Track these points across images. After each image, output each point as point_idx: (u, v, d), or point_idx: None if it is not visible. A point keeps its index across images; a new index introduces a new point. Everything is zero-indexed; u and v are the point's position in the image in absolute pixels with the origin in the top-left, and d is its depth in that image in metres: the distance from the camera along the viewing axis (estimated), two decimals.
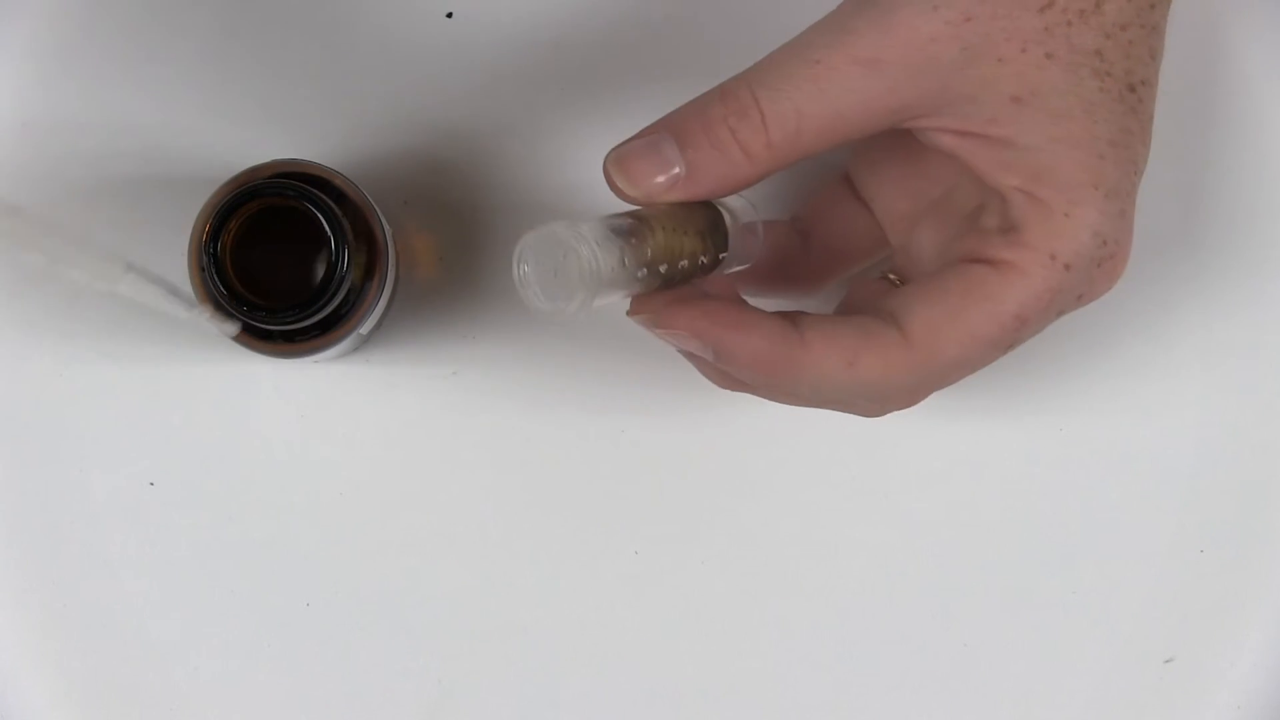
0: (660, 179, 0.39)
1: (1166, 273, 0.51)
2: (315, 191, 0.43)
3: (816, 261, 0.47)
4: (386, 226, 0.47)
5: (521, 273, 0.38)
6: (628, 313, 0.41)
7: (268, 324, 0.43)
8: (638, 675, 0.51)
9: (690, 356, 0.42)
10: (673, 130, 0.39)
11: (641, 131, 0.40)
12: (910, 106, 0.39)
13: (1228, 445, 0.51)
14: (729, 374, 0.42)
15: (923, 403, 0.51)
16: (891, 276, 0.44)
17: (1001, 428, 0.51)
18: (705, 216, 0.41)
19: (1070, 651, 0.51)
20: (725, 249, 0.42)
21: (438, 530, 0.50)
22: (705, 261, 0.41)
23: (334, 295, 0.43)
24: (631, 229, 0.39)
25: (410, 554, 0.50)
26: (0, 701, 0.50)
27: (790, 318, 0.40)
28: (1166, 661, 0.51)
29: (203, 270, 0.43)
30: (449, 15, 0.50)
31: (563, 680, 0.50)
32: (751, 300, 0.43)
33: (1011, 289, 0.39)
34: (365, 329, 0.46)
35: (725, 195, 0.40)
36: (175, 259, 0.46)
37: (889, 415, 0.51)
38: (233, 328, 0.42)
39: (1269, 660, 0.51)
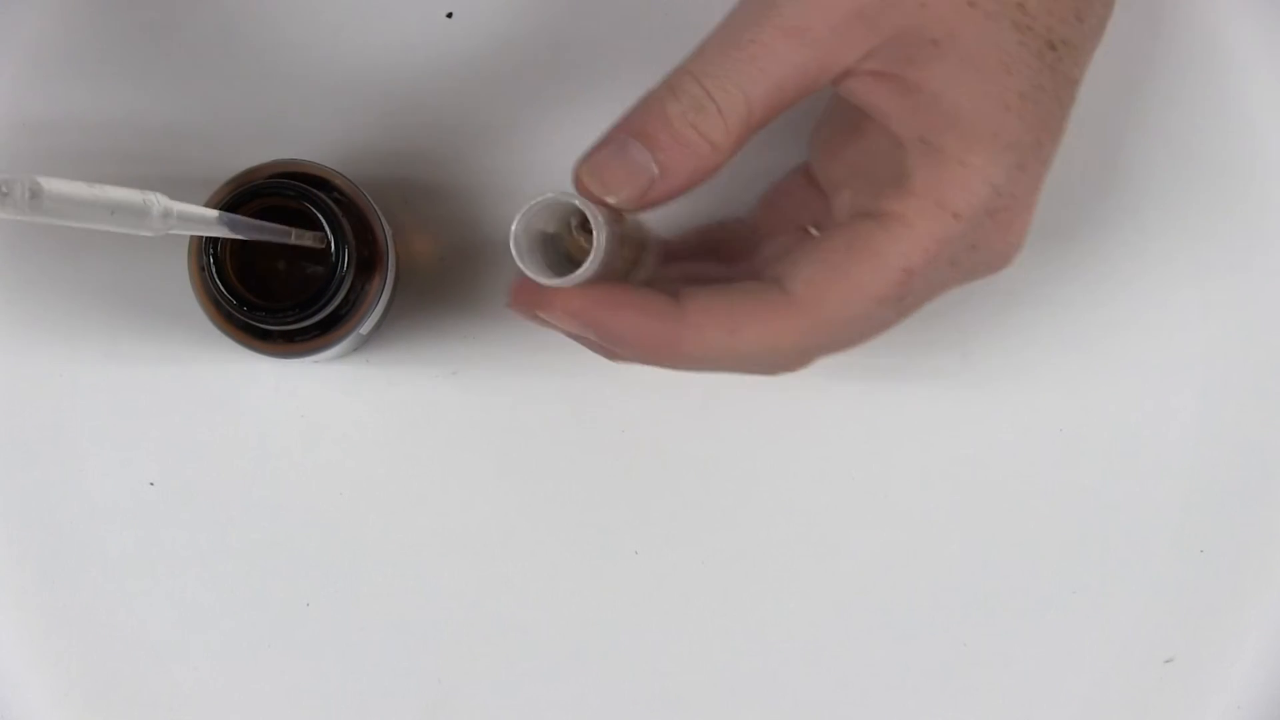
0: (637, 184, 0.40)
1: (1166, 272, 0.51)
2: (315, 191, 0.43)
3: (760, 244, 0.46)
4: (386, 226, 0.47)
5: (520, 242, 0.39)
6: (508, 304, 0.41)
7: (267, 324, 0.43)
8: (638, 675, 0.51)
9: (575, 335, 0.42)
10: (635, 133, 0.40)
11: (606, 138, 0.40)
12: (842, 60, 0.39)
13: (1228, 445, 0.51)
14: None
15: (922, 402, 0.51)
16: (812, 230, 0.44)
17: (1002, 428, 0.51)
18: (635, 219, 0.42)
19: (1070, 651, 0.51)
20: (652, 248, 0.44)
21: (437, 530, 0.50)
22: (646, 259, 0.43)
23: (334, 295, 0.44)
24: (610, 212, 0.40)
25: (410, 554, 0.50)
26: (0, 701, 0.50)
27: (676, 293, 0.40)
28: (1166, 661, 0.51)
29: (202, 270, 0.43)
30: (449, 15, 0.50)
31: (563, 680, 0.50)
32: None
33: (895, 242, 0.39)
34: (365, 329, 0.46)
35: (696, 186, 0.40)
36: (175, 259, 0.46)
37: (889, 416, 0.52)
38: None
39: (1269, 660, 0.51)
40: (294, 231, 0.42)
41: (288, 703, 0.50)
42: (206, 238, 0.43)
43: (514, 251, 0.39)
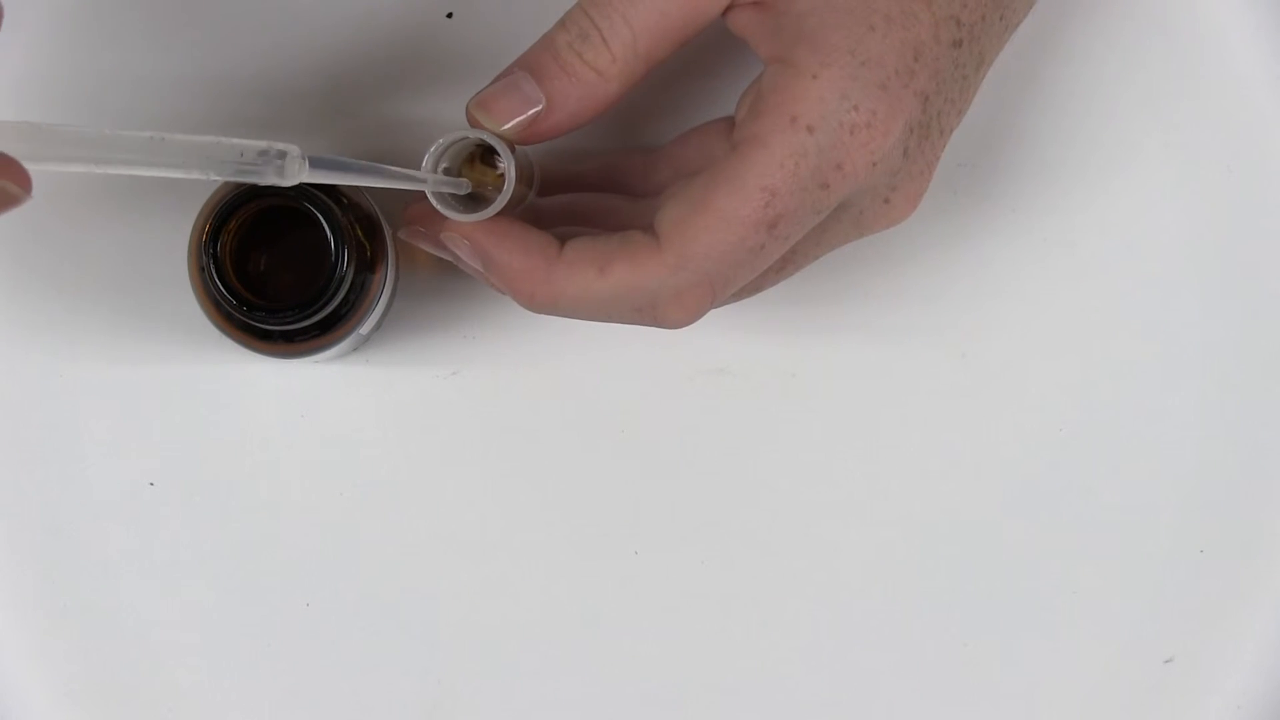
0: (524, 114, 0.41)
1: (1166, 272, 0.51)
2: (315, 191, 0.43)
3: (660, 178, 0.47)
4: (387, 227, 0.47)
5: (437, 172, 0.41)
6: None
7: (267, 324, 0.43)
8: (638, 675, 0.51)
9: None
10: (527, 67, 0.41)
11: (500, 73, 0.41)
12: None
13: (1228, 445, 0.51)
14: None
15: (921, 402, 0.51)
16: None
17: (1001, 428, 0.51)
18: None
19: (1070, 651, 0.51)
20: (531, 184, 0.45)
21: (438, 530, 0.50)
22: (530, 193, 0.45)
23: (334, 295, 0.43)
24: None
25: (410, 554, 0.50)
26: (0, 701, 0.50)
27: (561, 234, 0.42)
28: (1166, 661, 0.51)
29: (202, 270, 0.43)
30: (449, 15, 0.50)
31: (563, 680, 0.50)
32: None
33: (750, 164, 0.39)
34: (365, 329, 0.46)
35: (590, 119, 0.41)
36: (176, 259, 0.46)
37: (889, 416, 0.51)
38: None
39: (1269, 660, 0.51)
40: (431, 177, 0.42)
41: (288, 703, 0.50)
42: (207, 238, 0.43)
43: (428, 192, 0.41)
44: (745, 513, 0.51)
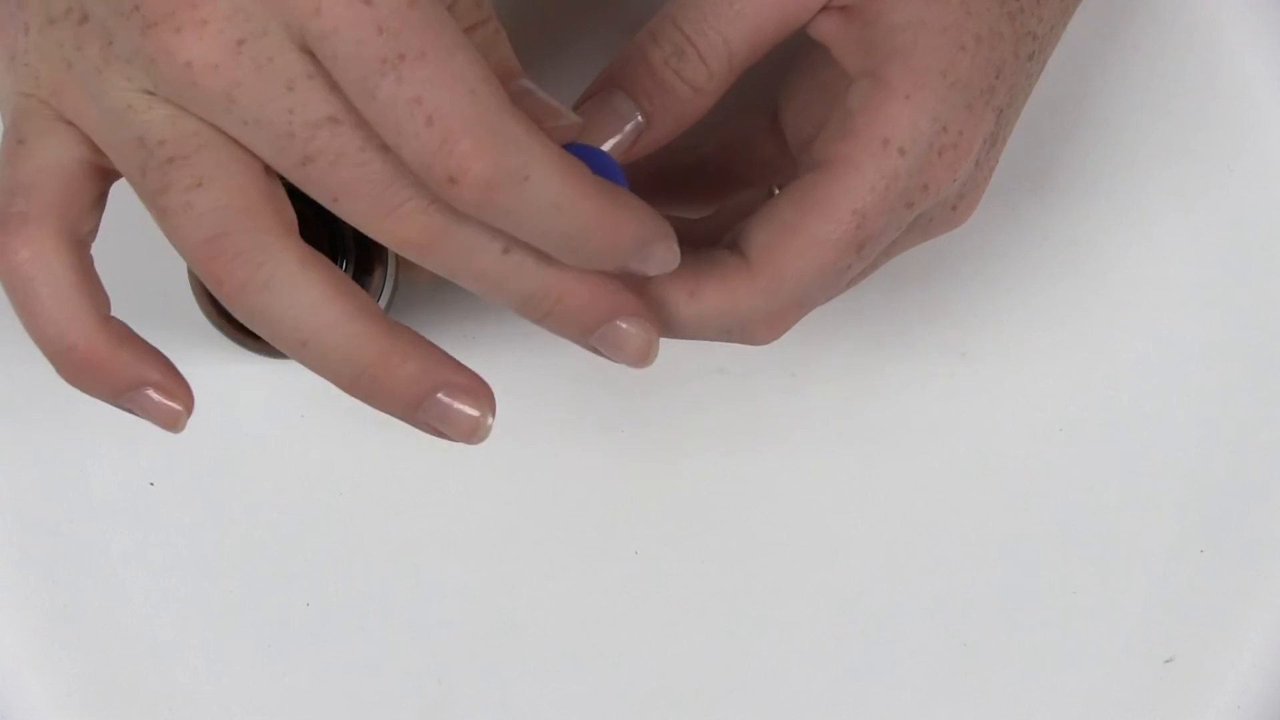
0: (625, 134, 0.40)
1: (1167, 272, 0.51)
2: None
3: (711, 181, 0.46)
4: None
5: None
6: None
7: None
8: (638, 675, 0.51)
9: None
10: (619, 83, 0.40)
11: (590, 89, 0.40)
12: None
13: (1228, 445, 0.51)
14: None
15: (921, 402, 0.51)
16: (776, 190, 0.44)
17: (1001, 429, 0.51)
18: None
19: (1070, 651, 0.51)
20: None
21: (438, 530, 0.50)
22: None
23: None
24: None
25: (410, 554, 0.50)
26: (0, 701, 0.50)
27: None
28: (1166, 661, 0.51)
29: None
30: None
31: (563, 680, 0.51)
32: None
33: (841, 186, 0.39)
34: None
35: (679, 134, 0.40)
36: (175, 258, 0.46)
37: (889, 416, 0.51)
38: None
39: (1269, 660, 0.51)
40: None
41: (288, 703, 0.50)
42: None
43: None
44: (745, 513, 0.51)
